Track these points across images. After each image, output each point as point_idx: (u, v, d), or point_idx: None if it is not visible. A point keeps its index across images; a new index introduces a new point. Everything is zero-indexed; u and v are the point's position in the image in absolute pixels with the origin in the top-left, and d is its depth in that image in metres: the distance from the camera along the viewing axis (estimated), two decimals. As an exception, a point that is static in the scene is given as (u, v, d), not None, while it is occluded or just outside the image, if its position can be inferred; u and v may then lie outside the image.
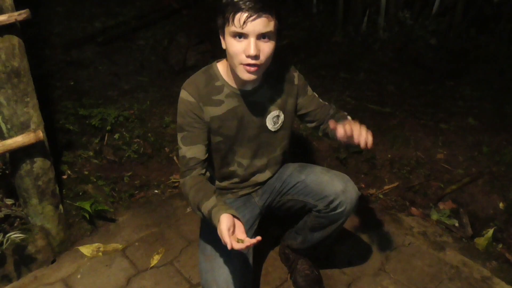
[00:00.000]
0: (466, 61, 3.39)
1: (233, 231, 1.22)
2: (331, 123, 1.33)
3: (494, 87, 3.06)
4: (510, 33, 3.46)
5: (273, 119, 1.51)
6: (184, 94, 1.42)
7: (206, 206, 1.32)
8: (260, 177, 1.61)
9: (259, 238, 1.21)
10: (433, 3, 3.58)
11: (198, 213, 1.39)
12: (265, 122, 1.50)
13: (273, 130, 1.53)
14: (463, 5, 3.45)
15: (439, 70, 3.29)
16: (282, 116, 1.53)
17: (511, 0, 3.41)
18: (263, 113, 1.49)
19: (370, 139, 1.29)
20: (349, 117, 1.56)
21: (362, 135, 1.28)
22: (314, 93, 1.60)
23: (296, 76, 1.52)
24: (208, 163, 1.49)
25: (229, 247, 1.19)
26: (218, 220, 1.24)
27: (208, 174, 1.49)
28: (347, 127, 1.28)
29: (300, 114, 1.60)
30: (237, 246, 1.19)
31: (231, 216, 1.24)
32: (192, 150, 1.42)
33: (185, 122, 1.42)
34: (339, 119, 1.51)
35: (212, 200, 1.33)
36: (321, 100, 1.61)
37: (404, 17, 3.64)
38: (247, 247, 1.19)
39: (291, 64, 1.54)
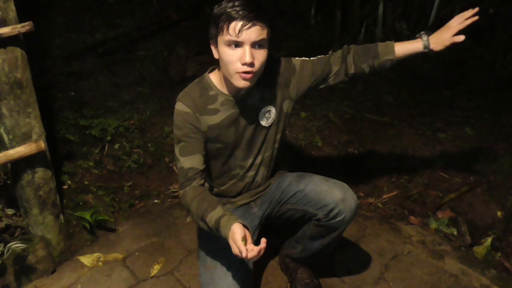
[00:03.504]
0: (463, 71, 3.43)
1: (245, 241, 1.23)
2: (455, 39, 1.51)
3: (490, 97, 3.09)
4: (505, 43, 3.51)
5: (266, 115, 1.52)
6: (180, 106, 1.44)
7: (212, 216, 1.33)
8: (260, 175, 1.62)
9: (264, 239, 1.22)
10: (429, 14, 3.63)
11: (201, 223, 1.40)
12: (259, 120, 1.52)
13: (266, 125, 1.53)
14: (459, 16, 3.50)
15: (436, 80, 3.32)
16: (273, 111, 1.53)
17: (505, 11, 3.46)
18: (257, 113, 1.51)
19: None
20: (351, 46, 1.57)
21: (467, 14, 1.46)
22: (304, 59, 1.53)
23: (279, 66, 1.50)
24: (205, 173, 1.51)
25: (244, 255, 1.19)
26: (230, 230, 1.25)
27: (207, 185, 1.50)
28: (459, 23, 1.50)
29: (309, 88, 1.54)
30: (251, 254, 1.20)
31: (242, 226, 1.26)
32: (190, 161, 1.44)
33: (182, 133, 1.44)
34: (360, 55, 1.55)
35: (219, 210, 1.34)
36: (313, 58, 1.54)
37: (401, 28, 3.69)
38: (259, 252, 1.20)
39: (274, 56, 1.49)
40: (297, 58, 1.54)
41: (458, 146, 2.59)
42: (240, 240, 1.21)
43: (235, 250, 1.23)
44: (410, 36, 3.59)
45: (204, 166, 1.47)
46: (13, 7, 1.48)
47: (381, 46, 1.55)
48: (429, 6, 3.63)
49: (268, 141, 1.57)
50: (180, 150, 1.45)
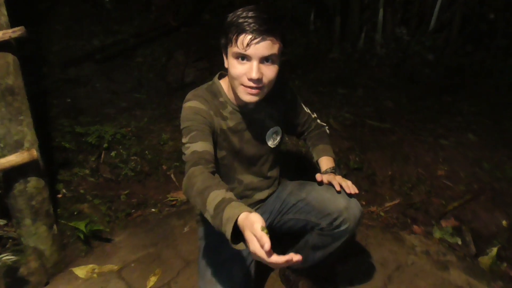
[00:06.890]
0: (463, 76, 3.40)
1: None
2: (318, 176, 1.46)
3: (491, 102, 3.06)
4: (505, 49, 3.49)
5: (273, 136, 1.50)
6: (194, 103, 1.36)
7: (218, 194, 1.09)
8: (259, 195, 1.58)
9: (292, 254, 0.97)
10: (429, 19, 3.61)
11: (198, 199, 1.14)
12: (265, 139, 1.49)
13: (272, 146, 1.51)
14: (459, 21, 3.48)
15: (436, 85, 3.30)
16: (280, 131, 1.51)
17: (505, 17, 3.45)
18: (263, 130, 1.48)
19: (354, 188, 1.41)
20: (327, 130, 1.66)
21: (350, 187, 1.40)
22: (303, 105, 1.60)
23: (288, 92, 1.52)
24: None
25: (266, 248, 0.93)
26: (242, 213, 1.00)
27: (217, 176, 1.27)
28: (335, 183, 1.41)
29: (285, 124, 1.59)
30: (275, 259, 0.94)
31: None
32: (203, 144, 1.28)
33: (194, 123, 1.32)
34: (317, 140, 1.62)
35: (230, 194, 1.11)
36: (306, 111, 1.62)
37: (401, 33, 3.67)
38: (285, 262, 0.95)
39: (286, 80, 1.54)
40: (299, 97, 1.59)
41: (460, 153, 2.55)
42: (260, 230, 0.93)
43: (254, 244, 0.95)
44: (410, 42, 3.60)
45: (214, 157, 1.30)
46: (5, 12, 1.45)
47: (320, 149, 1.60)
48: (428, 11, 3.61)
49: (271, 161, 1.55)
50: (191, 138, 1.28)
